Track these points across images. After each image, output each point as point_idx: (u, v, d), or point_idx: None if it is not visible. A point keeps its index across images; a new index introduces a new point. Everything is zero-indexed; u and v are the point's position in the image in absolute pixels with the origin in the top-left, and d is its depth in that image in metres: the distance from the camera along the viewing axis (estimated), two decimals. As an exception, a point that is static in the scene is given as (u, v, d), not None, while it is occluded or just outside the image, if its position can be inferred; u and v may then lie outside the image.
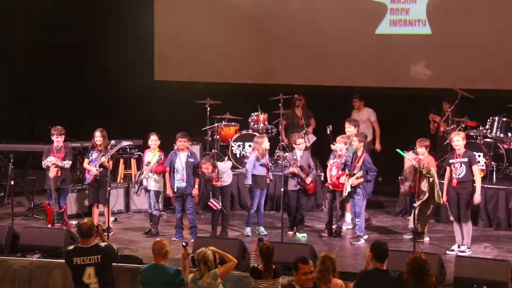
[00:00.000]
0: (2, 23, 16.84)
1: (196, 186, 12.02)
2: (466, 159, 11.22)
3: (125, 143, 12.43)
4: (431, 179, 11.62)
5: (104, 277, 8.13)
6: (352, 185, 11.84)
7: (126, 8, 16.72)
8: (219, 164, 12.39)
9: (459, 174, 11.22)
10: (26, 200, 14.11)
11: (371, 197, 12.61)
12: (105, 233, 8.72)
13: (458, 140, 11.30)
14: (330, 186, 12.28)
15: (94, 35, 16.92)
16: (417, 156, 11.82)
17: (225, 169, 12.31)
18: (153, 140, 12.30)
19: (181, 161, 11.95)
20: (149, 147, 12.41)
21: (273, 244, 8.64)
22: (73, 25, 16.83)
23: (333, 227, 12.33)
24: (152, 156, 12.31)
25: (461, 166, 11.22)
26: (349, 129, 12.64)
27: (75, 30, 16.85)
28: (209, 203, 12.19)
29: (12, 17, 16.82)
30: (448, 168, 11.41)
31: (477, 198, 11.23)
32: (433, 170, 11.70)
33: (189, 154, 12.04)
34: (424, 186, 11.60)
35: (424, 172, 11.51)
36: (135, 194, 13.19)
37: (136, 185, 12.52)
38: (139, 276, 8.42)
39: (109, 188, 11.92)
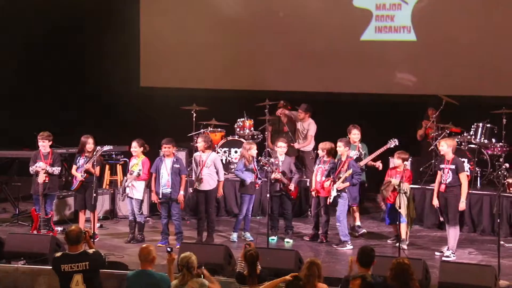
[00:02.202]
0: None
1: (182, 192, 12.02)
2: (453, 166, 11.31)
3: (106, 148, 12.42)
4: (406, 195, 11.67)
5: (92, 284, 8.12)
6: (338, 189, 11.87)
7: (112, 14, 16.71)
8: (213, 154, 12.35)
9: (447, 179, 11.32)
10: (11, 206, 14.06)
11: (357, 202, 12.63)
12: (92, 239, 8.72)
13: (442, 145, 11.43)
14: (314, 192, 12.30)
15: (79, 42, 16.91)
16: (395, 167, 11.92)
17: (215, 160, 12.25)
18: (133, 147, 12.33)
19: (166, 167, 11.96)
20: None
21: (259, 250, 8.66)
22: (58, 32, 16.82)
23: (319, 233, 12.35)
24: (135, 163, 12.31)
25: (448, 172, 11.31)
26: (357, 135, 12.69)
27: (59, 37, 16.84)
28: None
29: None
30: (439, 173, 11.52)
31: (461, 205, 11.32)
32: (407, 186, 11.73)
33: (175, 160, 12.05)
34: (400, 202, 11.60)
35: (401, 192, 11.57)
36: (120, 200, 13.22)
37: (121, 191, 12.53)
38: (125, 282, 8.40)
39: (95, 194, 11.91)
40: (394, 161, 11.95)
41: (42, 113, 16.44)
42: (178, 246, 11.32)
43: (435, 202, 11.52)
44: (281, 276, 8.94)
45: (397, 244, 11.18)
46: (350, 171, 11.83)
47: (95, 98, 16.72)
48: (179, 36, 16.65)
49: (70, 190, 13.03)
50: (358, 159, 12.62)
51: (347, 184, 11.89)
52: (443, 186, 11.35)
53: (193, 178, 12.32)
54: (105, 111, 16.62)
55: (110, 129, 15.82)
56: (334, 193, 11.90)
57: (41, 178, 12.05)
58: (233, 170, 13.88)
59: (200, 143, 12.26)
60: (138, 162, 12.27)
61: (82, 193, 12.38)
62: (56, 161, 12.27)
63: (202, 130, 14.53)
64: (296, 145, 14.35)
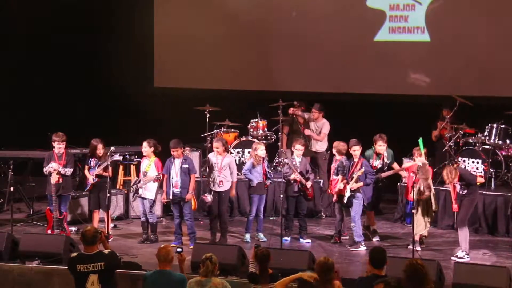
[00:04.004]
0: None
1: (190, 191, 12.04)
2: (464, 182, 11.29)
3: (116, 157, 12.45)
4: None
5: (108, 284, 8.14)
6: (352, 189, 11.86)
7: (126, 15, 16.77)
8: (228, 157, 12.38)
9: (462, 191, 11.32)
10: (26, 207, 14.12)
11: (370, 201, 12.61)
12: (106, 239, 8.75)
13: (457, 183, 11.28)
14: (329, 192, 12.36)
15: (93, 43, 16.96)
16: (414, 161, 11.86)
17: (230, 162, 12.31)
18: (144, 147, 12.35)
19: (175, 168, 12.00)
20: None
21: (272, 251, 8.67)
22: (72, 34, 16.87)
23: (333, 234, 12.37)
24: (148, 164, 12.32)
25: (461, 187, 11.32)
26: (382, 146, 12.60)
27: (74, 38, 16.89)
28: (202, 196, 12.23)
29: (10, 21, 16.89)
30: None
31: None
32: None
33: (184, 160, 12.07)
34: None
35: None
36: (131, 201, 13.29)
37: (132, 191, 12.57)
38: (143, 282, 8.41)
39: (108, 195, 11.97)
40: (415, 158, 11.86)
41: (56, 113, 16.50)
42: (191, 247, 11.35)
43: (455, 207, 11.50)
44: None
45: (410, 246, 11.18)
46: (362, 170, 11.80)
47: (109, 99, 16.77)
48: (193, 37, 16.66)
49: (84, 190, 13.08)
50: (381, 169, 12.59)
51: (361, 184, 11.88)
52: (459, 201, 11.34)
53: (209, 180, 12.28)
54: (118, 112, 16.66)
55: (124, 129, 15.88)
56: (348, 194, 11.89)
57: (54, 178, 12.10)
58: (244, 170, 13.92)
59: (220, 147, 12.22)
60: (150, 163, 12.29)
61: (96, 193, 12.45)
62: (69, 162, 12.32)
63: (215, 131, 14.54)
64: (307, 132, 14.31)
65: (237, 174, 12.99)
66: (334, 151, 12.31)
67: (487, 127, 13.71)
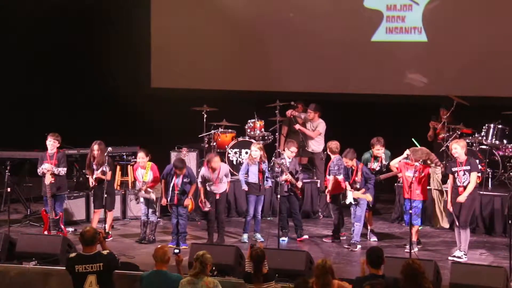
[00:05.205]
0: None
1: (190, 196, 12.03)
2: (468, 167, 11.25)
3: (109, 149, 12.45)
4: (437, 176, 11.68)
5: (105, 285, 8.14)
6: (355, 198, 11.90)
7: (123, 15, 16.77)
8: (222, 164, 12.41)
9: (464, 182, 11.24)
10: (23, 207, 14.10)
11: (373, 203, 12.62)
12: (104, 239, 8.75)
13: (455, 147, 11.29)
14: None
15: (91, 43, 16.96)
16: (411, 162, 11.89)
17: (226, 171, 12.34)
18: (141, 157, 12.32)
19: (178, 182, 11.94)
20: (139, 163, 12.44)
21: (270, 251, 8.68)
22: (71, 34, 16.87)
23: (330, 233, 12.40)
24: (144, 174, 12.30)
25: (464, 174, 11.24)
26: (380, 150, 12.62)
27: (72, 38, 16.89)
28: (199, 203, 12.22)
29: (9, 22, 16.89)
30: (451, 176, 11.39)
31: (461, 198, 11.21)
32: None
33: (186, 175, 12.02)
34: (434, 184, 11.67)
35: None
36: (135, 202, 13.29)
37: (134, 195, 12.57)
38: (139, 283, 8.41)
39: (105, 195, 11.97)
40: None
41: (53, 114, 16.50)
42: (183, 247, 11.35)
43: (450, 207, 11.46)
44: (292, 277, 8.96)
45: (407, 246, 11.20)
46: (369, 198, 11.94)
47: (106, 99, 16.76)
48: (190, 37, 16.67)
49: (82, 190, 13.09)
50: (380, 171, 12.60)
51: (363, 190, 11.90)
52: (461, 189, 11.27)
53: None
54: (115, 112, 16.65)
55: (121, 129, 15.86)
56: (350, 200, 11.90)
57: (48, 179, 12.06)
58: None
59: (217, 162, 12.19)
60: (147, 171, 12.25)
61: (100, 193, 12.38)
62: (61, 161, 12.27)
63: (212, 131, 14.54)
64: (297, 126, 14.32)
65: (233, 174, 13.03)
66: (327, 150, 12.39)
67: (484, 127, 13.73)
